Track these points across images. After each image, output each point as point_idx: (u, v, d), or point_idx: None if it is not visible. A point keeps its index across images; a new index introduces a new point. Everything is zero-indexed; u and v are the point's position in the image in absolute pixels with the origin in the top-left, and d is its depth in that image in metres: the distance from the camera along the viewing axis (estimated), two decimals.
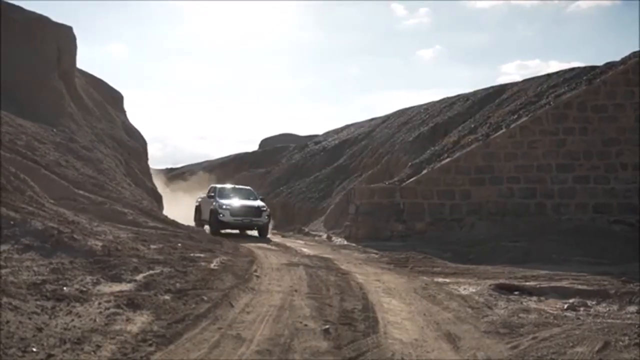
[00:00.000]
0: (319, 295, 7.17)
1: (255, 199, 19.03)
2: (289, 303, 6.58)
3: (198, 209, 19.80)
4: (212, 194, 18.88)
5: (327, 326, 5.61)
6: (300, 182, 27.25)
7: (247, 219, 17.75)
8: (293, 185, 27.21)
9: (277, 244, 15.24)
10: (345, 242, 16.30)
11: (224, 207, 17.70)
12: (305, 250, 13.87)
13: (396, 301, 7.23)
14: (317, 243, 16.75)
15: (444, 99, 25.76)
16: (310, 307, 6.46)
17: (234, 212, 17.64)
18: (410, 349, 5.17)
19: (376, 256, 12.89)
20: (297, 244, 16.00)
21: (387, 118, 28.46)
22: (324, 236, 18.54)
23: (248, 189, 20.53)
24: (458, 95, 24.72)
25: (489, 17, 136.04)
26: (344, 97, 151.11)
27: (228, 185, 21.18)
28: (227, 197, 18.53)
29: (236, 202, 18.25)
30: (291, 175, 28.57)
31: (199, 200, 20.21)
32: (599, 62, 17.97)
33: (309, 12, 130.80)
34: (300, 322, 5.72)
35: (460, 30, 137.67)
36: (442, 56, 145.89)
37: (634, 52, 16.95)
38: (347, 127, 32.49)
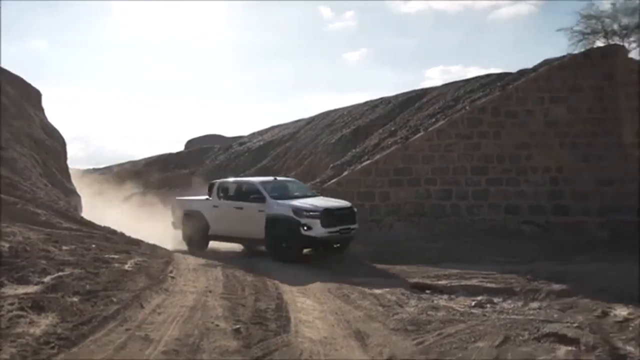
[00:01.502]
0: (233, 296, 7.08)
1: (315, 195, 13.40)
2: (202, 303, 6.47)
3: (191, 218, 13.44)
4: (229, 193, 13.23)
5: (238, 326, 5.57)
6: None
7: (344, 228, 11.90)
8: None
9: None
10: None
11: (308, 211, 11.54)
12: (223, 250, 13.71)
13: (310, 301, 7.25)
14: None
15: (367, 102, 26.21)
16: (224, 307, 6.37)
17: (326, 219, 11.53)
18: (319, 347, 5.19)
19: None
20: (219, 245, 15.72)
21: (311, 120, 28.64)
22: None
23: (294, 181, 14.74)
24: (380, 99, 25.24)
25: (414, 22, 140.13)
26: (270, 99, 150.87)
27: (265, 178, 14.40)
28: (281, 194, 12.57)
29: (315, 201, 12.30)
30: (215, 177, 28.11)
31: (190, 205, 13.98)
32: (516, 69, 18.81)
33: (235, 12, 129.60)
34: (212, 322, 5.65)
35: (386, 34, 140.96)
36: (368, 59, 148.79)
37: (545, 60, 17.90)
38: (272, 128, 32.42)
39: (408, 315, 6.70)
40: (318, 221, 11.45)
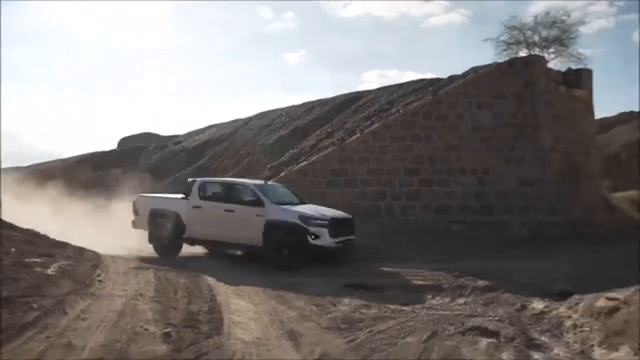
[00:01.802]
0: (165, 299, 7.01)
1: (303, 202, 12.56)
2: (131, 307, 6.36)
3: (161, 219, 12.14)
4: (215, 194, 12.14)
5: (168, 329, 5.52)
6: (159, 183, 26.33)
7: (347, 239, 11.58)
8: (151, 186, 26.16)
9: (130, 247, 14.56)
10: None
11: (316, 219, 11.03)
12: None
13: (244, 302, 7.29)
14: None
15: (304, 103, 26.36)
16: (154, 310, 6.30)
17: (334, 229, 11.09)
18: (252, 348, 5.25)
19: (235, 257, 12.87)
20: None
21: (249, 120, 28.46)
22: None
23: (279, 186, 13.43)
24: (318, 100, 25.45)
25: (353, 26, 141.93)
26: (208, 98, 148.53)
27: (255, 180, 13.41)
28: (275, 199, 11.73)
29: (317, 209, 11.75)
30: (148, 176, 27.50)
31: (160, 203, 12.58)
32: (448, 75, 19.42)
33: (174, 10, 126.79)
34: (141, 327, 5.56)
35: (326, 36, 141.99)
36: (308, 61, 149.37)
37: (473, 67, 18.64)
38: (210, 127, 31.94)
39: (341, 314, 6.86)
40: (326, 230, 10.95)
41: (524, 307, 7.58)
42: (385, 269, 10.85)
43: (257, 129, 26.06)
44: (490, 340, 5.75)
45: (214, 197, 12.07)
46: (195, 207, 11.99)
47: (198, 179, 12.67)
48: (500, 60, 18.66)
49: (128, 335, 5.24)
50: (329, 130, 19.37)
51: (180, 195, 12.47)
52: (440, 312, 7.34)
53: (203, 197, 12.10)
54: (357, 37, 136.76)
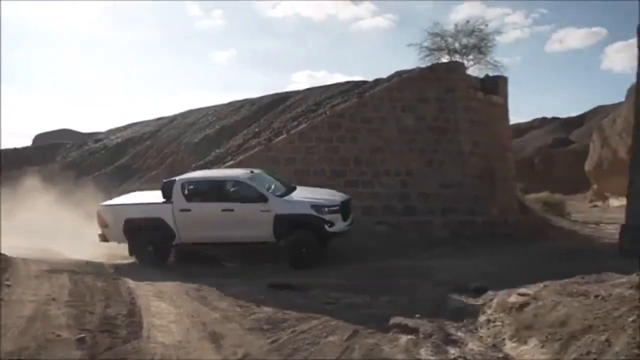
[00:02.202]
0: (80, 303, 6.70)
1: (294, 187, 12.36)
2: (42, 313, 6.03)
3: (142, 228, 11.27)
4: (203, 193, 11.47)
5: (83, 335, 5.29)
6: (81, 180, 25.23)
7: (351, 219, 11.67)
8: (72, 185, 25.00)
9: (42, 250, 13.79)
10: None
11: (327, 206, 10.90)
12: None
13: (166, 304, 7.11)
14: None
15: (232, 102, 26.04)
16: (68, 315, 6.01)
17: (344, 212, 11.23)
18: (172, 351, 5.14)
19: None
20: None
21: (174, 118, 27.75)
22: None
23: (263, 172, 12.78)
24: (245, 100, 25.21)
25: (282, 26, 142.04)
26: (132, 95, 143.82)
27: (241, 171, 12.55)
28: (275, 189, 11.53)
29: (319, 194, 11.68)
30: (64, 175, 26.25)
31: (137, 211, 11.52)
32: (374, 77, 19.75)
33: (97, 4, 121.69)
34: (53, 333, 5.30)
35: (255, 36, 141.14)
36: (237, 60, 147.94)
37: (398, 71, 19.10)
38: (132, 125, 30.86)
39: (265, 315, 6.84)
40: (339, 215, 10.90)
41: (442, 303, 7.86)
42: (310, 269, 10.90)
43: (183, 127, 25.48)
44: (410, 337, 5.92)
45: (203, 197, 11.39)
46: (183, 210, 11.21)
47: (176, 179, 11.69)
48: (424, 66, 19.25)
49: (38, 342, 4.97)
50: (256, 130, 19.25)
51: (156, 198, 11.58)
52: (362, 311, 7.46)
53: (190, 198, 11.35)
54: (287, 38, 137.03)
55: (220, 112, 25.33)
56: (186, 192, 11.41)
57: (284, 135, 16.95)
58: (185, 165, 19.83)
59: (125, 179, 22.44)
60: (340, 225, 10.95)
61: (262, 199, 11.00)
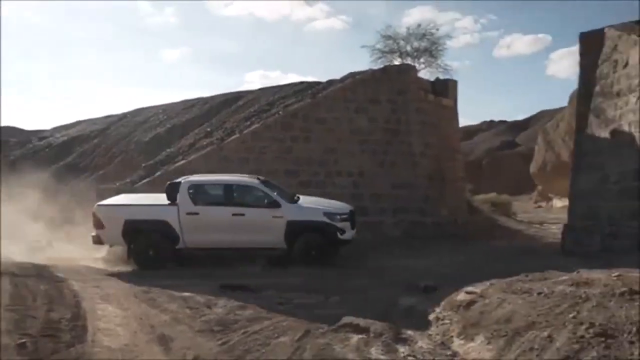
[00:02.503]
0: (21, 307, 6.44)
1: (296, 195, 12.48)
2: None
3: (145, 230, 10.98)
4: (212, 196, 11.42)
5: (24, 340, 5.08)
6: (23, 179, 24.25)
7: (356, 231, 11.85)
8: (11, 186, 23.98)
9: None
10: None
11: (338, 214, 11.21)
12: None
13: (112, 307, 6.92)
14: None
15: (183, 101, 25.64)
16: (8, 320, 5.76)
17: (352, 220, 11.57)
18: (118, 355, 5.01)
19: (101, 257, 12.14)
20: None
21: (124, 116, 27.07)
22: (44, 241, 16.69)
23: (267, 181, 12.36)
24: (198, 99, 24.87)
25: (235, 25, 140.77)
26: (79, 92, 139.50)
27: (248, 177, 12.15)
28: (281, 196, 11.42)
29: (327, 203, 12.01)
30: (9, 174, 25.23)
31: (140, 213, 11.14)
32: (327, 79, 19.83)
33: None
34: None
35: (208, 34, 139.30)
36: (189, 58, 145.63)
37: (351, 73, 19.25)
38: (79, 123, 29.92)
39: (216, 316, 6.76)
40: (349, 224, 11.19)
41: (393, 303, 7.96)
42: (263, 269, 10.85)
43: (132, 125, 24.90)
44: (361, 336, 5.96)
45: (213, 201, 11.26)
46: (191, 213, 10.91)
47: (182, 181, 11.33)
48: (376, 67, 19.50)
49: None
50: (208, 129, 19.00)
51: (156, 200, 11.31)
52: (314, 311, 7.46)
53: (198, 201, 11.09)
54: (240, 37, 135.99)
55: (171, 110, 24.89)
56: (194, 195, 11.14)
57: (237, 135, 16.81)
58: (135, 164, 19.39)
59: (72, 179, 21.77)
60: (350, 233, 11.24)
61: (275, 204, 11.04)
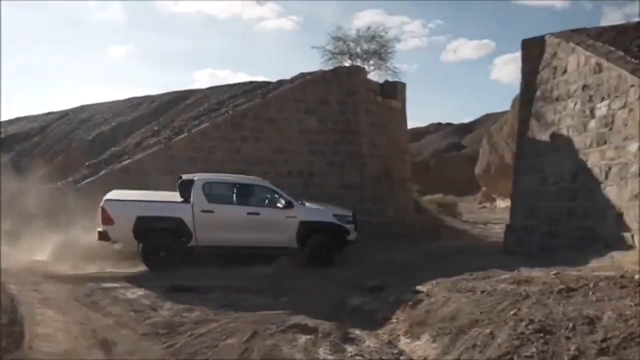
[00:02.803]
0: None
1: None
2: None
3: (156, 227, 10.66)
4: (227, 195, 11.46)
5: None
6: None
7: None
8: None
9: None
10: None
11: (345, 217, 11.79)
12: None
13: (52, 311, 6.67)
14: None
15: (129, 99, 25.02)
16: None
17: (355, 223, 12.03)
18: None
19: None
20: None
21: (66, 113, 26.16)
22: None
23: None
24: (144, 97, 24.34)
25: (184, 23, 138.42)
26: (18, 87, 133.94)
27: (255, 178, 12.77)
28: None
29: (330, 206, 12.37)
30: None
31: (153, 209, 10.84)
32: (279, 78, 19.75)
33: None
34: None
35: (156, 32, 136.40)
36: (136, 55, 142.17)
37: (302, 73, 19.25)
38: (18, 120, 28.73)
39: (161, 319, 6.62)
40: (353, 226, 11.72)
41: (342, 303, 8.02)
42: (211, 270, 10.68)
43: (75, 123, 24.09)
44: (309, 336, 5.97)
45: (228, 200, 11.34)
46: (206, 211, 10.81)
47: (195, 179, 11.18)
48: (326, 68, 19.59)
49: None
50: (156, 128, 18.58)
51: (163, 197, 11.14)
52: (262, 312, 7.43)
53: (212, 199, 11.04)
54: (189, 35, 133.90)
55: (116, 108, 24.25)
56: (208, 193, 11.08)
57: (185, 134, 16.52)
58: (77, 163, 18.74)
59: (11, 178, 20.89)
60: (354, 235, 11.74)
61: (289, 205, 11.38)
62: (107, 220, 10.50)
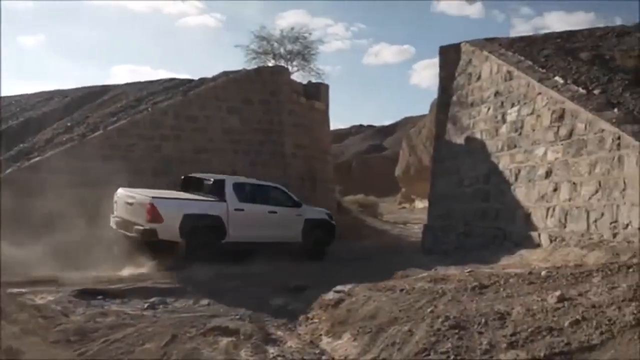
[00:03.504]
0: None
1: None
2: None
3: (201, 224, 11.18)
4: (251, 195, 12.18)
5: None
6: None
7: None
8: None
9: None
10: None
11: (330, 216, 14.22)
12: None
13: None
14: None
15: (40, 93, 23.67)
16: None
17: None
18: None
19: None
20: None
21: None
22: None
23: None
24: (57, 91, 23.12)
25: (101, 15, 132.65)
26: None
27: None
28: None
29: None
30: None
31: (197, 207, 11.44)
32: (201, 76, 19.36)
33: None
34: None
35: (70, 22, 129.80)
36: (48, 47, 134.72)
37: (224, 72, 19.01)
38: None
39: (73, 325, 6.29)
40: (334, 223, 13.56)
41: (264, 304, 7.99)
42: (127, 273, 10.32)
43: None
44: (230, 339, 5.89)
45: (253, 199, 12.17)
46: (238, 209, 11.69)
47: (225, 179, 12.17)
48: (250, 68, 19.47)
49: None
50: (68, 124, 17.66)
51: (209, 197, 11.76)
52: (182, 315, 7.26)
53: (242, 199, 11.91)
54: (107, 28, 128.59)
55: (25, 102, 22.88)
56: (239, 193, 11.96)
57: (101, 131, 15.84)
58: None
59: None
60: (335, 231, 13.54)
61: (298, 204, 12.89)
62: (156, 217, 10.74)
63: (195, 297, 8.62)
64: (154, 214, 10.74)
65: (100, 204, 13.56)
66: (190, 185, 12.64)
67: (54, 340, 5.61)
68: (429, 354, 4.51)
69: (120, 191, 12.05)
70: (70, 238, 12.03)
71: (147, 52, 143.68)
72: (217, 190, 11.77)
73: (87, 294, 8.24)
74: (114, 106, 18.21)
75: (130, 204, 11.38)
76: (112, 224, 11.92)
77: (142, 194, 11.36)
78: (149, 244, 11.02)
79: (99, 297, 8.28)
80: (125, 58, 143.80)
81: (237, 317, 7.08)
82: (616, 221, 8.11)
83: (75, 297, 8.06)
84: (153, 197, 11.08)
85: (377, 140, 63.99)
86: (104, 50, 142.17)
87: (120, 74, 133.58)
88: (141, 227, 10.78)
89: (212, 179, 12.18)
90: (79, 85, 23.44)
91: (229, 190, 11.81)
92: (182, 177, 13.10)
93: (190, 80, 19.19)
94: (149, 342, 5.69)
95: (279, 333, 6.39)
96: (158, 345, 5.54)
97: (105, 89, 21.90)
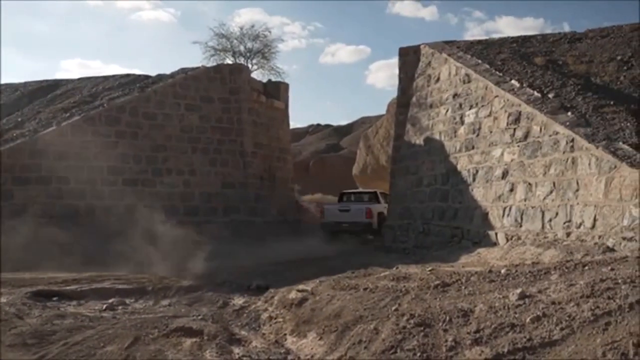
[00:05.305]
0: None
1: None
2: None
3: (382, 218, 17.15)
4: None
5: None
6: None
7: None
8: None
9: None
10: None
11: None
12: None
13: None
14: None
15: None
16: None
17: None
18: None
19: None
20: None
21: None
22: None
23: None
24: (5, 85, 22.23)
25: (49, 6, 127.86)
26: None
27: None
28: None
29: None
30: None
31: (382, 209, 17.47)
32: (156, 73, 19.04)
33: None
34: None
35: (15, 13, 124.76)
36: None
37: (182, 69, 18.74)
38: None
39: (29, 328, 6.06)
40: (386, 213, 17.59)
41: (225, 304, 7.93)
42: (84, 274, 10.02)
43: None
44: (194, 339, 5.80)
45: (377, 200, 17.87)
46: (385, 207, 17.26)
47: (378, 191, 18.82)
48: (208, 65, 19.25)
49: None
50: (19, 119, 17.03)
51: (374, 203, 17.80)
52: (143, 316, 7.12)
53: (380, 201, 17.83)
54: (55, 20, 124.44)
55: None
56: (381, 198, 17.99)
57: (54, 127, 15.35)
58: None
59: None
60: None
61: (379, 201, 17.81)
62: (368, 214, 17.14)
63: (155, 297, 8.48)
64: (371, 214, 17.12)
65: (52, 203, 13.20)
66: (344, 196, 19.21)
67: (10, 344, 5.40)
68: (395, 352, 4.57)
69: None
70: (18, 238, 11.68)
71: (98, 46, 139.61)
72: (376, 197, 18.13)
73: (41, 296, 7.98)
74: (68, 101, 17.66)
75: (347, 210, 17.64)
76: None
77: (358, 206, 17.94)
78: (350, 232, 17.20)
79: (54, 298, 8.03)
80: (75, 52, 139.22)
81: (200, 317, 7.00)
82: (570, 221, 8.40)
83: (29, 297, 7.78)
84: (370, 207, 17.55)
85: (334, 139, 64.15)
86: (54, 43, 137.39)
87: (71, 68, 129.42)
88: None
89: (366, 191, 19.81)
90: (29, 80, 22.60)
91: (379, 197, 18.09)
92: (340, 192, 19.99)
93: (147, 77, 18.82)
94: (111, 344, 5.55)
95: (243, 333, 6.35)
96: (120, 348, 5.41)
97: (57, 83, 21.20)
